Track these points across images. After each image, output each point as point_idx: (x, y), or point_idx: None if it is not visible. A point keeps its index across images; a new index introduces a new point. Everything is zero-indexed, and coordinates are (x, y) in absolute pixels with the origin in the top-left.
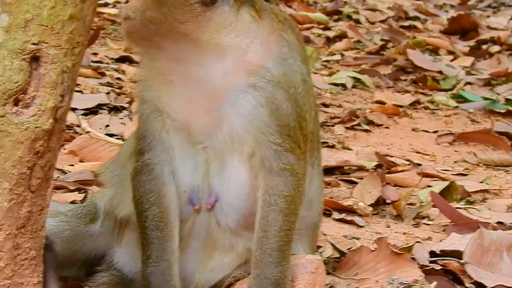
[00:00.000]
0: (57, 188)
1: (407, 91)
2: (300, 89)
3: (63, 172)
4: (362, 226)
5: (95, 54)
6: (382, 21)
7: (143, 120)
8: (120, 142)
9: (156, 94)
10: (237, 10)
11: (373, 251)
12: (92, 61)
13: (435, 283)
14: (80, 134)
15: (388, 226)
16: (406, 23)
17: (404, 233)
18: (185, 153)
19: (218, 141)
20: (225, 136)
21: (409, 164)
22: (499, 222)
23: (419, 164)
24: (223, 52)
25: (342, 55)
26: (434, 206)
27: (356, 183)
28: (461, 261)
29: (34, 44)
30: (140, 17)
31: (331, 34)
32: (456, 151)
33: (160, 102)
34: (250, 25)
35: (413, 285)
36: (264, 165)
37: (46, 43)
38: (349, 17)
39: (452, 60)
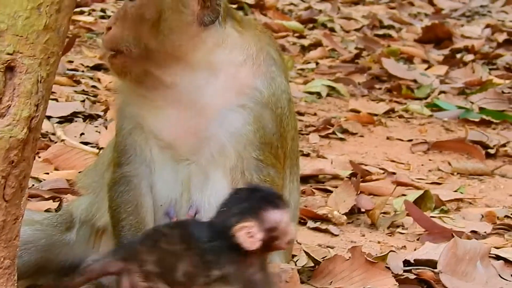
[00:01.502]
0: (32, 196)
1: (382, 100)
2: (286, 109)
3: (38, 180)
4: (336, 235)
5: (70, 62)
6: (357, 30)
7: (124, 135)
8: (95, 150)
9: (139, 112)
10: (224, 26)
11: (347, 260)
12: (67, 69)
13: None
14: (55, 142)
15: (363, 235)
16: (381, 32)
17: (379, 242)
18: (167, 168)
19: (203, 158)
20: (212, 153)
21: (383, 173)
22: (473, 231)
23: (394, 173)
24: (215, 71)
25: (317, 63)
26: (408, 215)
27: (330, 191)
28: (435, 270)
29: (8, 54)
30: (134, 51)
31: (306, 42)
32: (430, 159)
33: (143, 120)
34: (240, 41)
35: None
36: (245, 176)
37: (20, 53)
38: (324, 25)
39: (426, 69)
